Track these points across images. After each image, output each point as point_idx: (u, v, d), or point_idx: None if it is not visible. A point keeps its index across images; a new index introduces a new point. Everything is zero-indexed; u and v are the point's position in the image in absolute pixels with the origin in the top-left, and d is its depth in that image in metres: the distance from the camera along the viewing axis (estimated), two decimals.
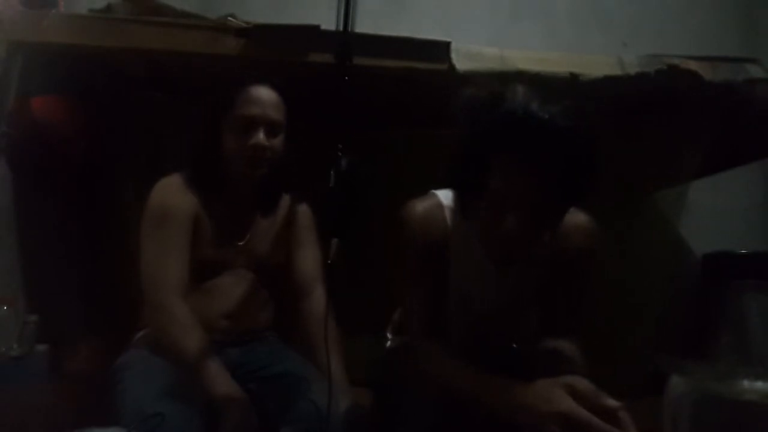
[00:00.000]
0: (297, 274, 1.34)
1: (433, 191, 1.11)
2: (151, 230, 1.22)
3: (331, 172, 0.99)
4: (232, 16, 1.56)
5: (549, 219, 0.94)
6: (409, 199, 1.10)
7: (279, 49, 1.51)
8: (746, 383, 1.00)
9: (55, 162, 1.69)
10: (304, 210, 1.39)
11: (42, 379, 1.52)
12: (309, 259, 1.33)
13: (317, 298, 1.31)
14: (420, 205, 1.08)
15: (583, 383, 0.80)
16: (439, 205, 1.08)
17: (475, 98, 0.95)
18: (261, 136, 1.22)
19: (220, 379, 1.07)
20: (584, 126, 0.88)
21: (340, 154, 1.02)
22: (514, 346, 1.20)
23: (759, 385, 0.99)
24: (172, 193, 1.24)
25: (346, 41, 0.97)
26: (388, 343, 1.30)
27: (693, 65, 1.59)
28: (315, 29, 1.49)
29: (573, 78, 1.53)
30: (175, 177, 1.28)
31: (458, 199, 1.05)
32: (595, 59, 1.62)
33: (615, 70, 1.58)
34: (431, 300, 1.04)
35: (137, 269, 1.22)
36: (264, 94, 1.24)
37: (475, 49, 1.58)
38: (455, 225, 1.06)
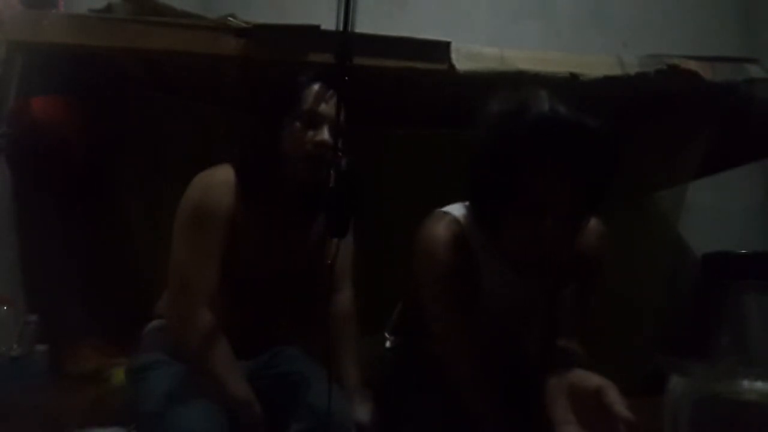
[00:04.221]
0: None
1: (443, 210, 1.09)
2: (187, 229, 1.13)
3: (331, 172, 0.99)
4: (232, 16, 1.55)
5: (580, 221, 0.95)
6: (409, 199, 1.09)
7: (279, 49, 1.51)
8: (746, 383, 1.00)
9: (55, 162, 1.69)
10: None
11: (42, 379, 1.52)
12: (343, 255, 1.21)
13: (345, 298, 1.30)
14: (437, 228, 1.05)
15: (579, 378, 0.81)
16: (455, 222, 1.06)
17: (500, 106, 0.95)
18: (326, 133, 1.15)
19: (236, 385, 1.07)
20: (610, 127, 0.89)
21: (339, 154, 1.02)
22: (523, 351, 1.20)
23: (759, 385, 0.99)
24: (215, 192, 1.15)
25: (346, 41, 0.97)
26: (387, 343, 1.30)
27: (693, 65, 1.59)
28: (315, 29, 1.49)
29: (573, 78, 1.54)
30: (220, 172, 1.18)
31: (476, 211, 1.03)
32: (595, 59, 1.62)
33: (615, 70, 1.58)
34: (463, 321, 1.02)
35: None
36: (332, 92, 1.17)
37: (475, 49, 1.58)
38: (474, 240, 1.05)
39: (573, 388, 0.78)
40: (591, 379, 0.80)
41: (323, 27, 1.46)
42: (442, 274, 1.02)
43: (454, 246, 1.02)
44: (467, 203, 1.07)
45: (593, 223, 1.06)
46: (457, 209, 1.08)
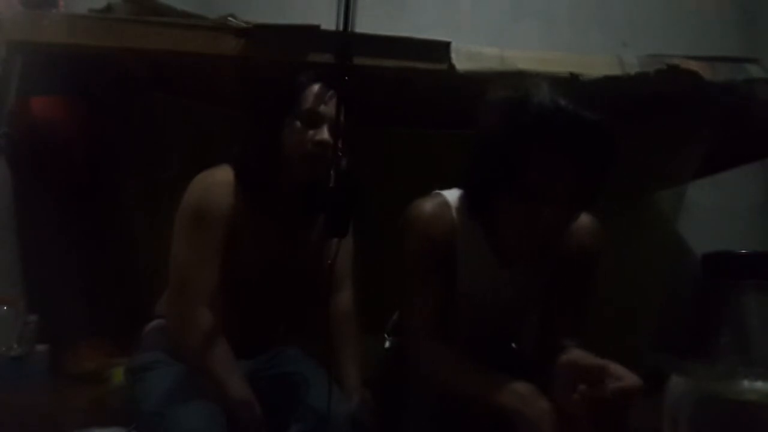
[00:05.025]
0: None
1: (438, 191, 1.11)
2: (187, 230, 1.14)
3: (331, 172, 0.99)
4: (232, 16, 1.55)
5: (575, 212, 0.96)
6: (409, 199, 1.10)
7: (279, 49, 1.51)
8: (746, 383, 1.00)
9: (55, 162, 1.69)
10: None
11: (42, 379, 1.52)
12: (343, 255, 1.22)
13: (345, 298, 1.31)
14: (427, 205, 1.07)
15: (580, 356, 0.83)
16: (446, 204, 1.08)
17: (503, 95, 0.96)
18: (326, 132, 1.15)
19: (236, 385, 1.07)
20: (608, 120, 0.90)
21: (340, 154, 1.02)
22: (513, 345, 1.20)
23: (759, 385, 1.00)
24: (215, 192, 1.15)
25: (346, 41, 0.97)
26: (387, 343, 1.30)
27: (693, 65, 1.59)
28: (315, 29, 1.49)
29: (573, 78, 1.53)
30: (220, 172, 1.18)
31: (468, 198, 1.04)
32: (595, 59, 1.62)
33: (615, 70, 1.58)
34: (437, 299, 1.04)
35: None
36: (332, 93, 1.17)
37: (475, 49, 1.58)
38: (462, 225, 1.06)
39: (574, 368, 0.80)
40: (587, 357, 0.82)
41: (323, 27, 1.46)
42: (419, 246, 1.05)
43: (436, 223, 1.05)
44: (462, 191, 1.08)
45: (587, 220, 1.06)
46: (451, 194, 1.10)
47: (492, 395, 0.87)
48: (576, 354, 0.86)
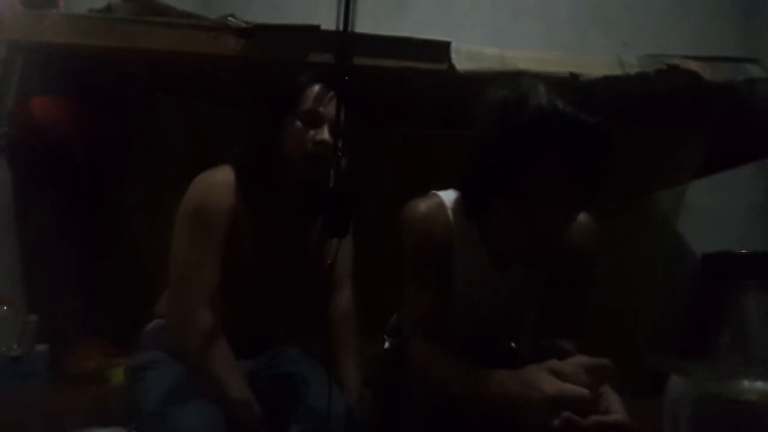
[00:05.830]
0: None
1: (434, 192, 1.11)
2: (187, 230, 1.13)
3: (331, 172, 0.99)
4: (232, 16, 1.55)
5: (572, 214, 0.96)
6: (409, 199, 1.09)
7: (279, 49, 1.51)
8: (746, 383, 1.00)
9: (55, 162, 1.69)
10: None
11: (42, 379, 1.52)
12: (343, 255, 1.21)
13: (345, 298, 1.31)
14: (422, 205, 1.07)
15: (560, 365, 0.83)
16: (442, 205, 1.08)
17: (499, 97, 0.95)
18: (326, 132, 1.16)
19: (236, 385, 1.07)
20: (607, 123, 0.90)
21: (340, 154, 1.02)
22: (513, 345, 1.20)
23: (759, 385, 1.00)
24: (216, 192, 1.15)
25: (346, 41, 0.97)
26: (386, 344, 1.30)
27: (693, 65, 1.59)
28: (315, 29, 1.49)
29: (573, 78, 1.54)
30: (221, 173, 1.18)
31: (465, 199, 1.04)
32: (595, 59, 1.62)
33: (615, 70, 1.58)
34: (433, 300, 1.04)
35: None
36: (332, 93, 1.17)
37: (475, 49, 1.58)
38: (458, 226, 1.06)
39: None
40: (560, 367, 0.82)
41: (323, 27, 1.46)
42: (414, 247, 1.05)
43: (431, 223, 1.05)
44: (458, 192, 1.08)
45: (585, 219, 1.06)
46: (447, 194, 1.10)
47: (484, 391, 0.87)
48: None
